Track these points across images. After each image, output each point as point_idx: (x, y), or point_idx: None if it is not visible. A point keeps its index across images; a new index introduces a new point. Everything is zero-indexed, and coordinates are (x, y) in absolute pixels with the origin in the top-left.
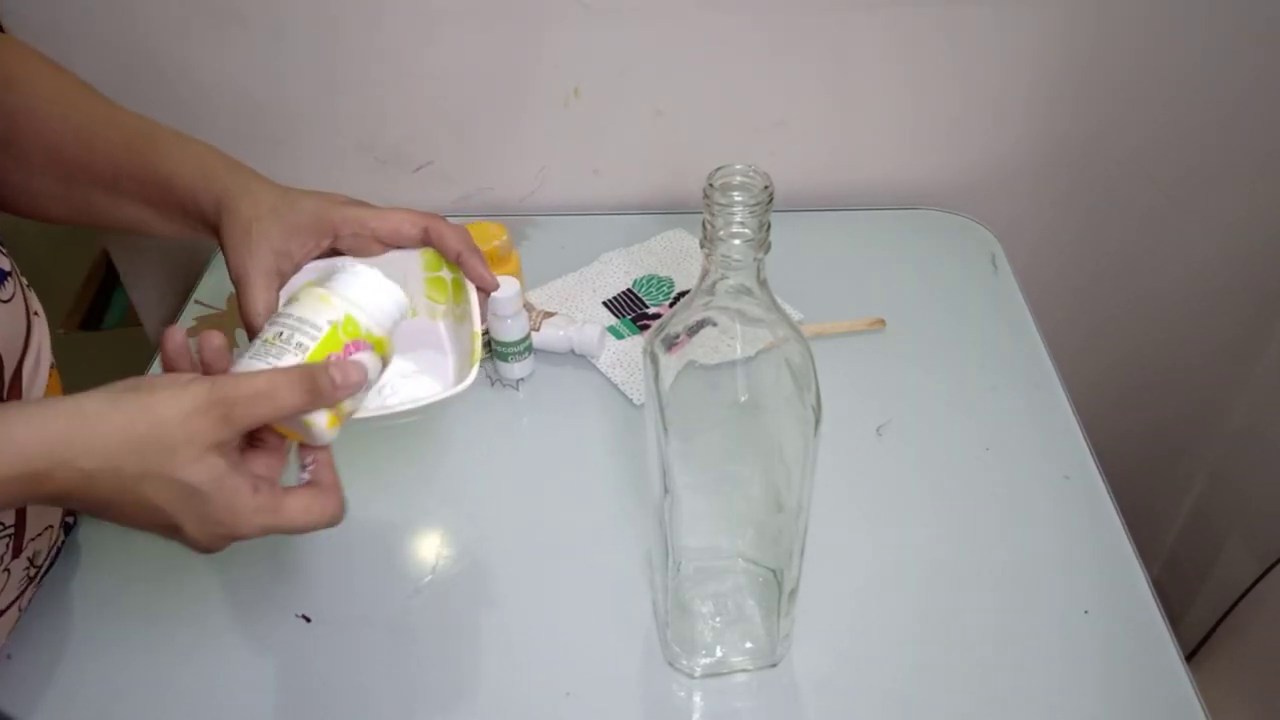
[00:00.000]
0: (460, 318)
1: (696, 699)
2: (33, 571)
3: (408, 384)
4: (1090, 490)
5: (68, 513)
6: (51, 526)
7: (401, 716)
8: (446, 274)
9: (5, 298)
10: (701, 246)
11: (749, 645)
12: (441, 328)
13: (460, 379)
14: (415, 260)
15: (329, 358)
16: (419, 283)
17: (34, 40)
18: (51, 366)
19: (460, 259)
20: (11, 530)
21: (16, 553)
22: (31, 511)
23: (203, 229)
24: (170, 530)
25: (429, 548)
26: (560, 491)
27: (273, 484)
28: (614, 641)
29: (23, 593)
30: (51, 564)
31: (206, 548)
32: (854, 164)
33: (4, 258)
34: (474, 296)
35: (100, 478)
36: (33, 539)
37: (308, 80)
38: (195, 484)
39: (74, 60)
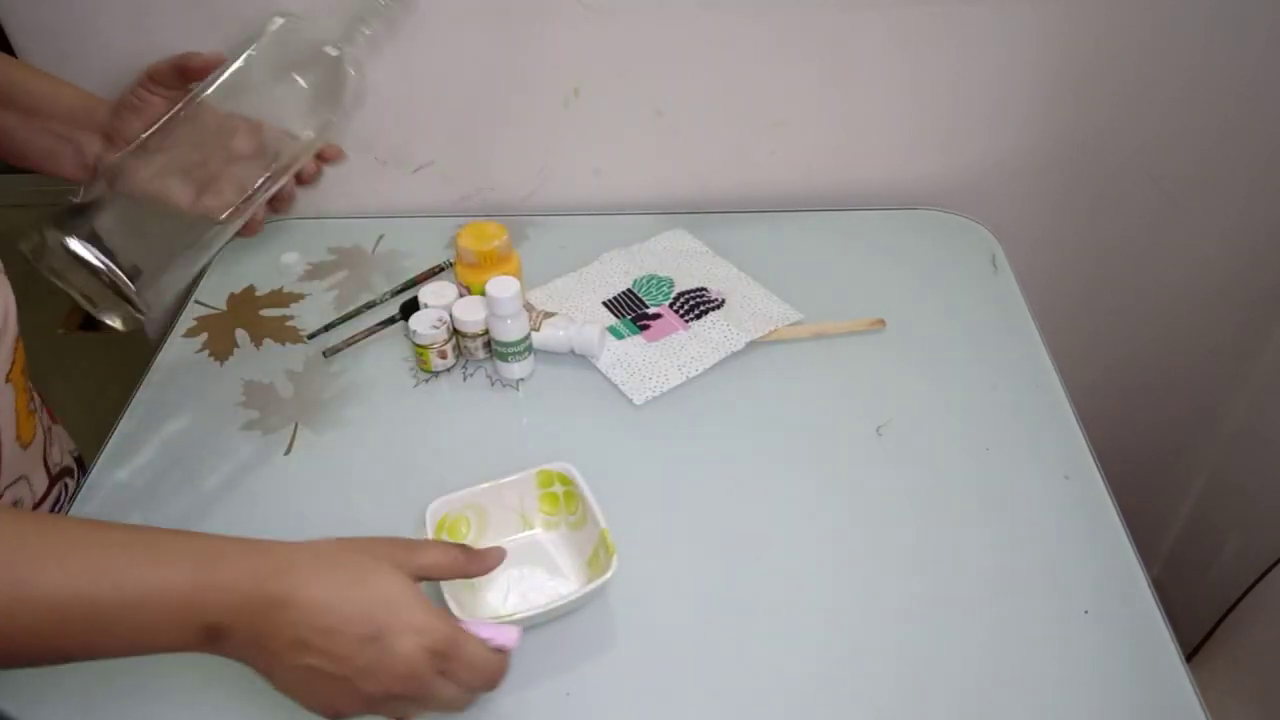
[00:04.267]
0: (576, 525)
1: (691, 706)
2: None
3: (551, 584)
4: (1090, 490)
5: (60, 474)
6: (26, 478)
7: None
8: (558, 488)
9: None
10: None
11: None
12: (554, 538)
13: (578, 572)
14: (530, 481)
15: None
16: (534, 499)
17: (34, 40)
18: (17, 337)
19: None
20: None
21: None
22: (7, 461)
23: (79, 130)
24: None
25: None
26: None
27: None
28: (613, 641)
29: None
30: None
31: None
32: (854, 164)
33: None
34: (592, 501)
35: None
36: (6, 488)
37: None
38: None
39: (74, 60)
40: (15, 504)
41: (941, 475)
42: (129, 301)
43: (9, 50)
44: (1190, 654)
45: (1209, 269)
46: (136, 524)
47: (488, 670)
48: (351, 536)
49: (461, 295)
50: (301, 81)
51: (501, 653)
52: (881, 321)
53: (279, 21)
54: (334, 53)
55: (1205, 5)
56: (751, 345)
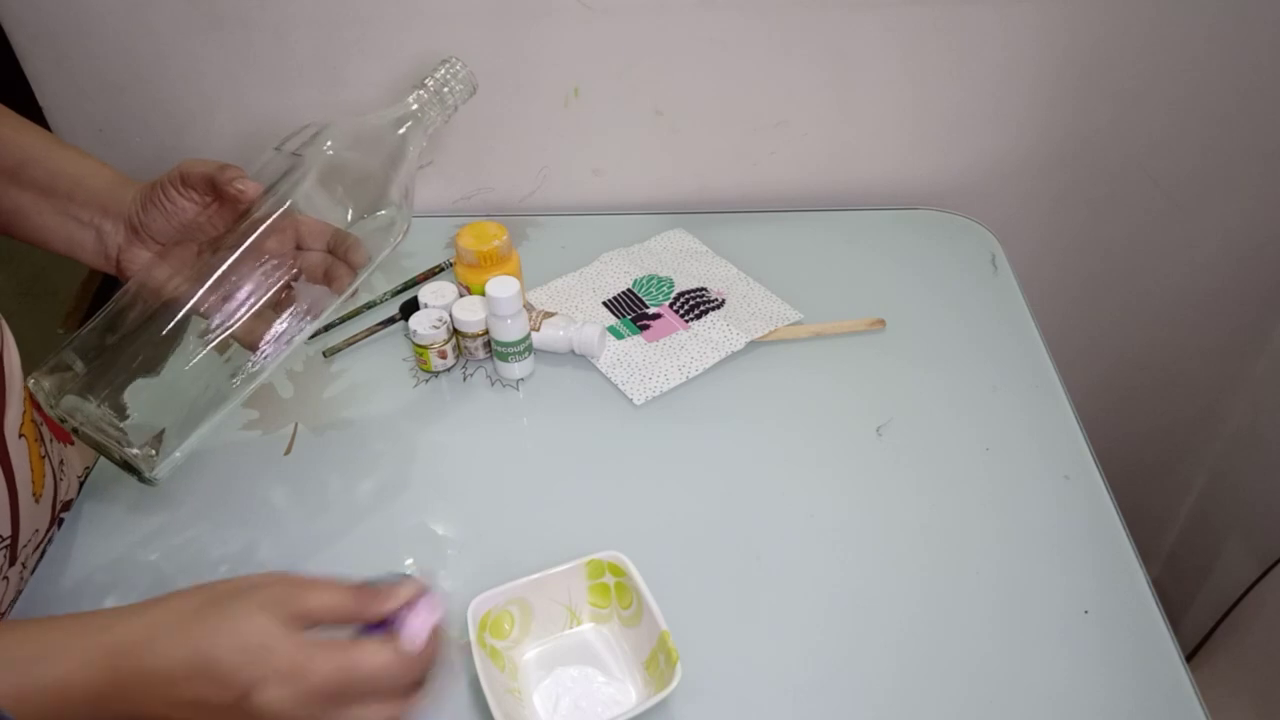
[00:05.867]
0: (630, 620)
1: (690, 704)
2: (24, 574)
3: (607, 689)
4: (1090, 490)
5: (61, 510)
6: (39, 530)
7: None
8: (609, 579)
9: None
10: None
11: None
12: (605, 634)
13: (633, 673)
14: (579, 571)
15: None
16: (582, 591)
17: (34, 41)
18: (23, 386)
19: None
20: (9, 541)
21: (12, 561)
22: (24, 519)
23: (103, 218)
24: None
25: (429, 547)
26: (560, 491)
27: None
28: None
29: (17, 596)
30: (38, 563)
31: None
32: (854, 164)
33: None
34: (649, 596)
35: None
36: (24, 545)
37: (308, 80)
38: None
39: (74, 61)
40: (24, 562)
41: (942, 475)
42: (136, 468)
43: (9, 50)
44: (1190, 654)
45: (1209, 269)
46: None
47: (402, 676)
48: (228, 578)
49: (461, 295)
50: (351, 216)
51: (420, 639)
52: (881, 321)
53: (327, 150)
54: (395, 194)
55: (1205, 5)
56: (751, 345)
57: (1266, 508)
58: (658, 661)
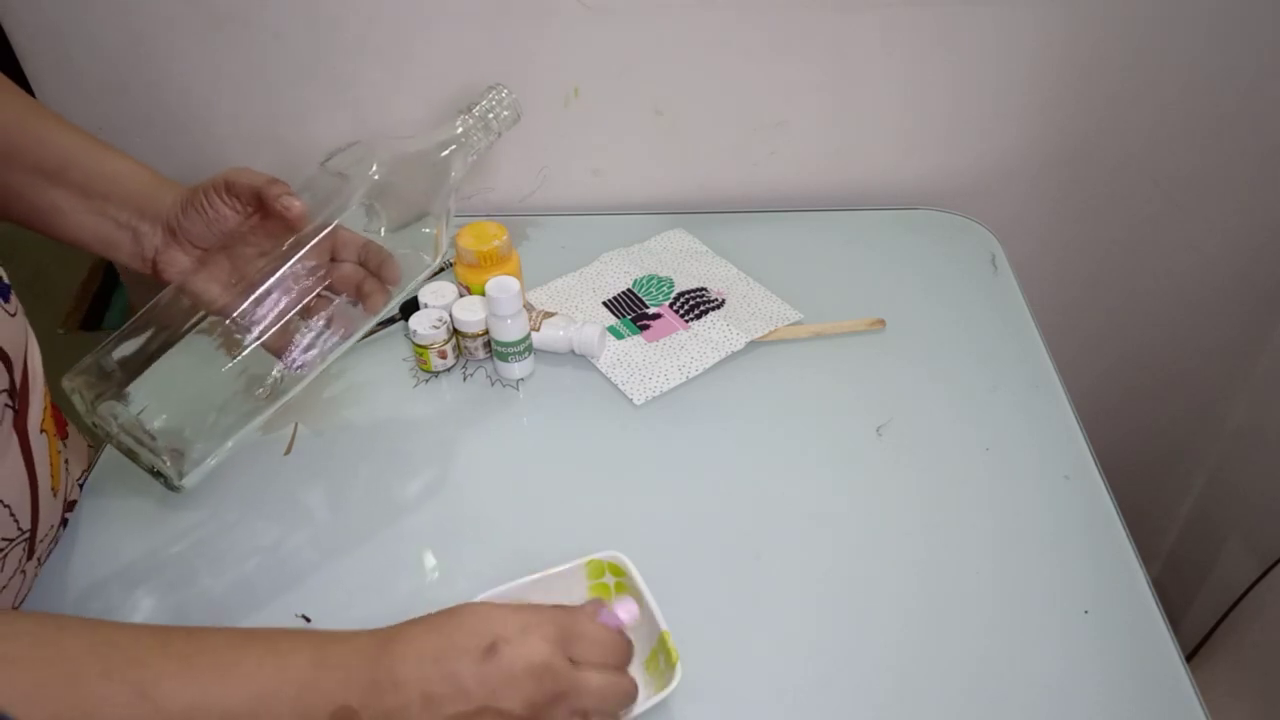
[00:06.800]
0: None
1: (690, 705)
2: (39, 570)
3: None
4: (1090, 490)
5: (65, 510)
6: (54, 525)
7: None
8: (609, 579)
9: (11, 311)
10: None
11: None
12: None
13: (634, 674)
14: (579, 572)
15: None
16: (583, 592)
17: (33, 40)
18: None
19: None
20: (29, 534)
21: (30, 555)
22: (43, 513)
23: (141, 219)
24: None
25: (429, 547)
26: (560, 491)
27: None
28: None
29: (30, 592)
30: (48, 555)
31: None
32: (854, 164)
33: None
34: (649, 596)
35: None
36: (42, 540)
37: (307, 80)
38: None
39: (73, 61)
40: (40, 557)
41: (941, 475)
42: (164, 474)
43: (9, 50)
44: (1190, 654)
45: (1209, 268)
46: (240, 627)
47: (613, 643)
48: None
49: (461, 295)
50: (389, 238)
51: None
52: (881, 321)
53: (373, 175)
54: (437, 218)
55: (1205, 5)
56: (751, 345)
57: (1266, 508)
58: (658, 661)
